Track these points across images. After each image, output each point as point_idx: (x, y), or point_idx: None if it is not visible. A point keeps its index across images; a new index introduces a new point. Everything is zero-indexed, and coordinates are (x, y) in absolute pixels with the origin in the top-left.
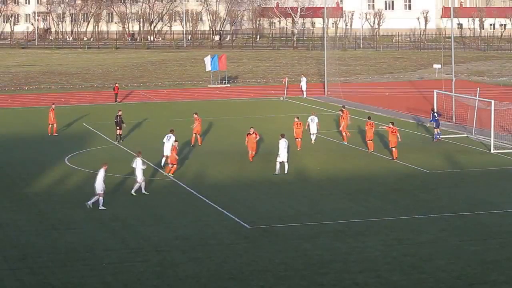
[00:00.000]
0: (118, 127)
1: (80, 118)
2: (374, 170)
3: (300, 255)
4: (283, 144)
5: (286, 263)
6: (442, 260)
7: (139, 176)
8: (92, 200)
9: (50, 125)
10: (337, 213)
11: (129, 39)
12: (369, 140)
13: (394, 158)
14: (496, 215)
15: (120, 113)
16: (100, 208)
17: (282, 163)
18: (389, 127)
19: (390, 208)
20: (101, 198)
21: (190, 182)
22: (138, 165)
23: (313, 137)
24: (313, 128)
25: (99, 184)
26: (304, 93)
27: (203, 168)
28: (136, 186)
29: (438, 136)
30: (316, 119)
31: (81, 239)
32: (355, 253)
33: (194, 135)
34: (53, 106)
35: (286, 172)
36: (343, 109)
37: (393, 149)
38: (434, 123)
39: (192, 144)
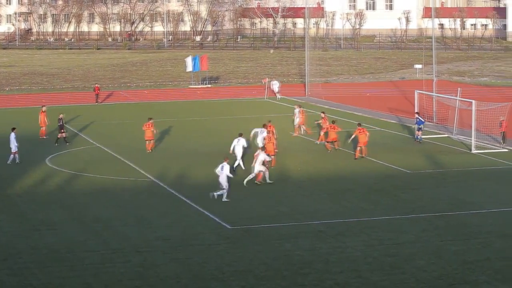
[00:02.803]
0: (61, 130)
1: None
2: (355, 170)
3: (281, 256)
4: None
5: (267, 264)
6: (423, 260)
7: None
8: (219, 193)
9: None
10: (318, 214)
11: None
12: (363, 145)
13: (364, 155)
14: (477, 215)
15: (61, 116)
16: (224, 200)
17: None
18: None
19: (371, 208)
20: (225, 193)
21: (171, 183)
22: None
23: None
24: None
25: (223, 179)
26: (277, 94)
27: (184, 169)
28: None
29: (419, 138)
30: (297, 110)
31: (62, 240)
32: (336, 253)
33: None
34: (44, 108)
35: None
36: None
37: (363, 147)
38: (418, 125)
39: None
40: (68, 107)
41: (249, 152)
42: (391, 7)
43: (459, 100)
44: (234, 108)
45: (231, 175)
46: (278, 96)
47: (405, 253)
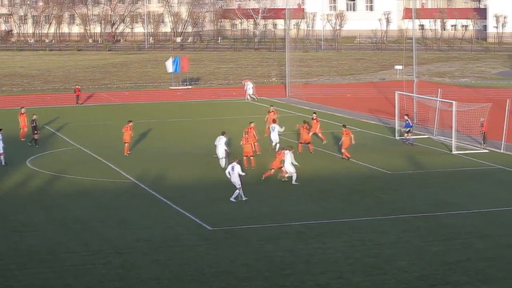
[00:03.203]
0: (35, 131)
1: (41, 121)
2: (336, 171)
3: (262, 257)
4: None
5: (248, 265)
6: (404, 261)
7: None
8: (235, 195)
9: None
10: (299, 214)
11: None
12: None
13: (343, 156)
14: (457, 216)
15: (34, 117)
16: (243, 199)
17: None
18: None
19: (352, 209)
20: (240, 191)
21: (151, 184)
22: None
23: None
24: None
25: (236, 179)
26: (249, 96)
27: (165, 170)
28: (293, 177)
29: (408, 140)
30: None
31: (43, 242)
32: (317, 254)
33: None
34: (23, 110)
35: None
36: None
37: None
38: (406, 128)
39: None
40: (48, 108)
41: (229, 151)
42: (371, 8)
43: (439, 101)
44: (214, 109)
45: (243, 173)
46: (250, 98)
47: (386, 254)
